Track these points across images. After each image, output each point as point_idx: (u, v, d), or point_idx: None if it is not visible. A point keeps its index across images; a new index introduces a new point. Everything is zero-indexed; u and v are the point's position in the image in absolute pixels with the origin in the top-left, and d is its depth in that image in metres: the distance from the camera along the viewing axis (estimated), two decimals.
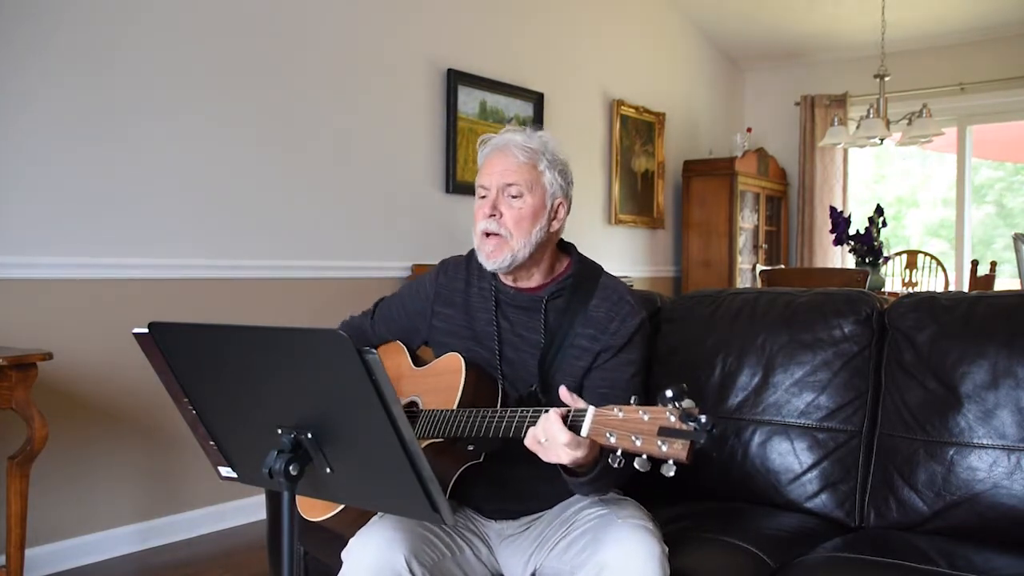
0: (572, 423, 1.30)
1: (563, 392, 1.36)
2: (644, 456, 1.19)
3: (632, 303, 1.66)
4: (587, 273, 1.70)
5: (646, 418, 1.20)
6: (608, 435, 1.23)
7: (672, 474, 1.17)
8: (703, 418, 1.14)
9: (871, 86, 5.59)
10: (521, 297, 1.68)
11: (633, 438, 1.20)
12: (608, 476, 1.40)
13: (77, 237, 2.89)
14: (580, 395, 1.59)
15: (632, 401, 1.24)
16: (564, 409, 1.33)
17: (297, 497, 1.31)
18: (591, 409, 1.28)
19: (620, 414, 1.23)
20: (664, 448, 1.16)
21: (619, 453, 1.22)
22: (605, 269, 1.74)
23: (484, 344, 1.68)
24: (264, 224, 3.45)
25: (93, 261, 2.93)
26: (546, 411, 1.34)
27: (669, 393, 1.16)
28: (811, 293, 2.11)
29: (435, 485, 1.12)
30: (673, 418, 1.16)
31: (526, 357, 1.65)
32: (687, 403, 1.16)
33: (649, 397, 1.25)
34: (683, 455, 1.15)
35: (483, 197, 1.65)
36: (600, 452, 1.36)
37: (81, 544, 2.92)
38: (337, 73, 3.71)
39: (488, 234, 1.62)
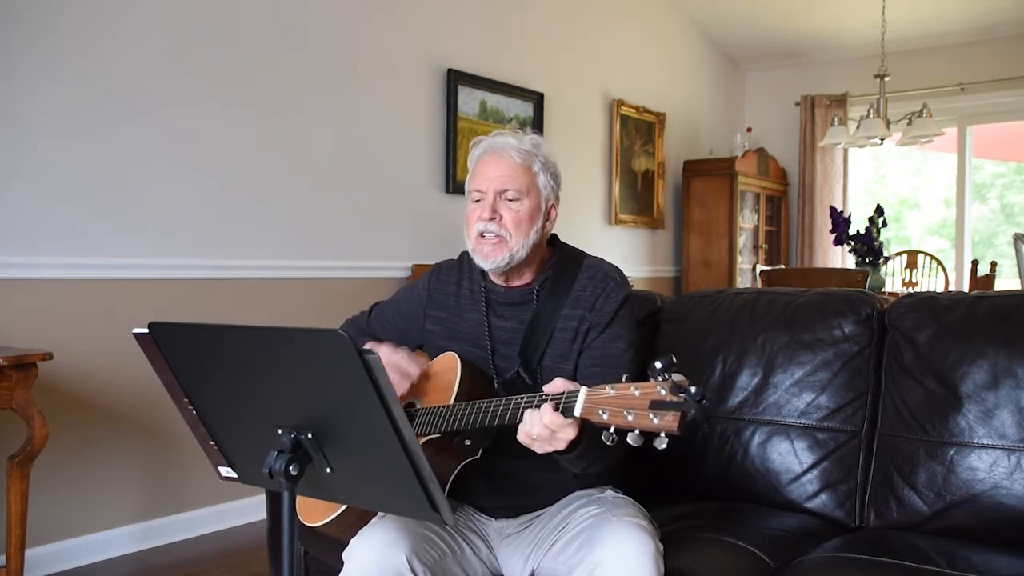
0: (565, 405, 1.30)
1: (556, 384, 1.35)
2: (637, 431, 1.20)
3: (617, 280, 1.67)
4: (570, 257, 1.71)
5: (637, 393, 1.20)
6: (601, 412, 1.24)
7: (664, 447, 1.18)
8: (693, 389, 1.15)
9: (871, 86, 5.59)
10: (512, 294, 1.69)
11: (625, 413, 1.20)
12: (598, 447, 1.40)
13: (77, 237, 2.89)
14: (574, 377, 1.59)
15: (623, 378, 1.24)
16: (554, 401, 1.32)
17: (296, 502, 1.31)
18: (583, 389, 1.28)
19: (611, 391, 1.24)
20: (656, 421, 1.17)
21: (612, 430, 1.22)
22: (592, 255, 1.75)
23: (477, 343, 1.69)
24: (264, 224, 3.45)
25: (93, 261, 2.93)
26: (538, 405, 1.33)
27: (659, 364, 1.17)
28: (811, 293, 2.11)
29: (435, 485, 1.12)
30: (663, 391, 1.17)
31: (519, 351, 1.65)
32: (677, 376, 1.17)
33: (644, 375, 1.25)
34: (674, 427, 1.16)
35: (478, 200, 1.65)
36: (583, 423, 1.35)
37: (81, 544, 2.92)
38: (337, 73, 3.71)
39: (483, 235, 1.62)
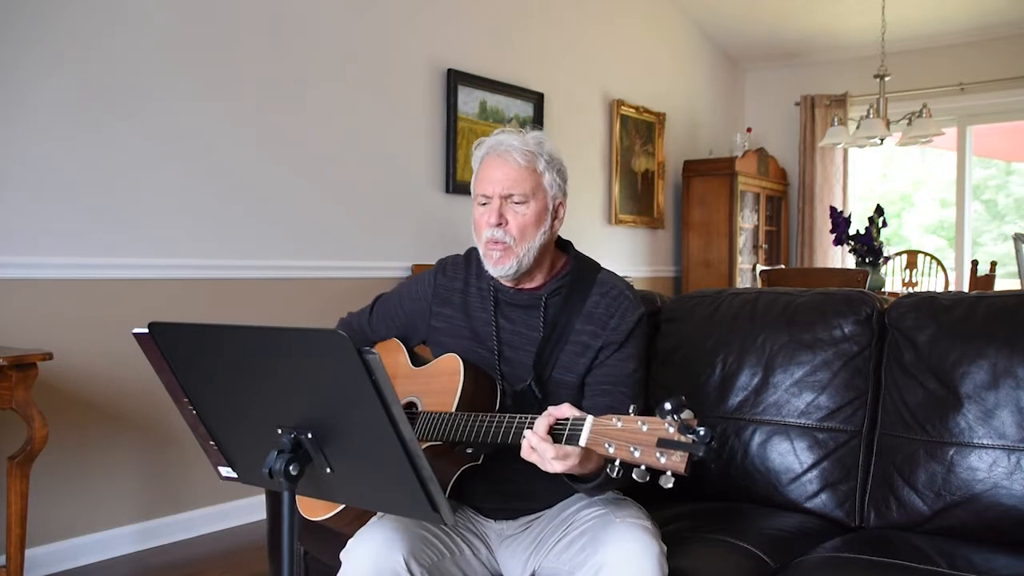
0: (570, 432, 1.29)
1: (563, 410, 1.34)
2: (643, 467, 1.18)
3: (631, 298, 1.66)
4: (585, 270, 1.70)
5: (644, 428, 1.19)
6: (607, 445, 1.23)
7: (670, 486, 1.16)
8: (702, 430, 1.13)
9: (871, 86, 5.59)
10: (521, 296, 1.68)
11: (631, 449, 1.19)
12: (612, 482, 1.40)
13: (77, 237, 2.89)
14: (582, 391, 1.59)
15: (631, 410, 1.23)
16: (551, 418, 1.32)
17: (298, 496, 1.31)
18: (589, 418, 1.27)
19: (619, 424, 1.22)
20: (663, 460, 1.16)
21: (617, 463, 1.21)
22: (607, 269, 1.74)
23: (484, 344, 1.68)
24: (264, 224, 3.45)
25: (93, 261, 2.93)
26: (533, 421, 1.33)
27: (668, 406, 1.15)
28: (811, 293, 2.11)
29: (435, 485, 1.12)
30: (672, 429, 1.15)
31: (525, 356, 1.65)
32: (686, 414, 1.15)
33: (649, 395, 1.25)
34: (681, 467, 1.15)
35: (484, 204, 1.64)
36: (603, 460, 1.35)
37: (81, 544, 2.92)
38: (337, 73, 3.71)
39: (492, 241, 1.62)
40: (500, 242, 1.61)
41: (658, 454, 1.16)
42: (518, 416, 1.40)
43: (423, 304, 1.78)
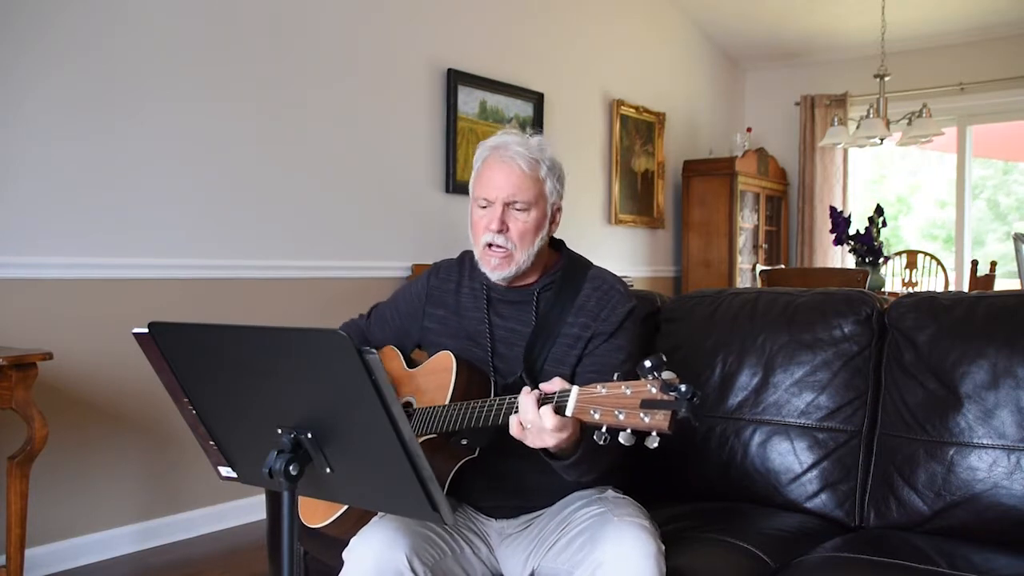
0: (557, 404, 1.30)
1: (554, 383, 1.35)
2: (628, 430, 1.20)
3: (622, 291, 1.67)
4: (577, 266, 1.71)
5: (628, 392, 1.21)
6: (592, 412, 1.24)
7: (655, 445, 1.18)
8: (683, 387, 1.15)
9: (871, 86, 5.59)
10: (512, 292, 1.69)
11: (617, 412, 1.21)
12: (593, 455, 1.41)
13: (77, 237, 2.89)
14: (571, 381, 1.60)
15: (615, 377, 1.25)
16: (540, 392, 1.33)
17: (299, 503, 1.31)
18: (575, 388, 1.29)
19: (603, 390, 1.24)
20: (647, 420, 1.18)
21: (604, 429, 1.23)
22: (598, 265, 1.75)
23: (477, 342, 1.69)
24: (264, 224, 3.45)
25: (93, 261, 2.93)
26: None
27: (648, 363, 1.17)
28: (811, 293, 2.11)
29: (435, 484, 1.12)
30: (654, 389, 1.17)
31: (519, 352, 1.66)
32: (667, 374, 1.17)
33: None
34: (665, 425, 1.16)
35: (484, 207, 1.64)
36: (581, 433, 1.36)
37: (81, 544, 2.92)
38: (337, 73, 3.71)
39: (491, 245, 1.62)
40: (501, 247, 1.61)
41: (642, 414, 1.18)
42: (507, 397, 1.41)
43: (416, 306, 1.80)
